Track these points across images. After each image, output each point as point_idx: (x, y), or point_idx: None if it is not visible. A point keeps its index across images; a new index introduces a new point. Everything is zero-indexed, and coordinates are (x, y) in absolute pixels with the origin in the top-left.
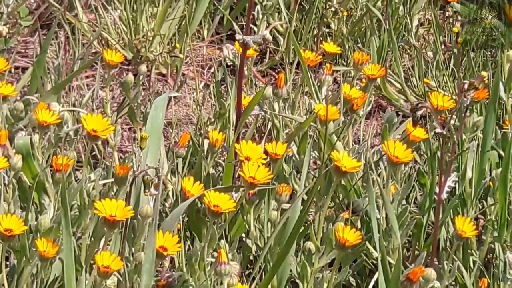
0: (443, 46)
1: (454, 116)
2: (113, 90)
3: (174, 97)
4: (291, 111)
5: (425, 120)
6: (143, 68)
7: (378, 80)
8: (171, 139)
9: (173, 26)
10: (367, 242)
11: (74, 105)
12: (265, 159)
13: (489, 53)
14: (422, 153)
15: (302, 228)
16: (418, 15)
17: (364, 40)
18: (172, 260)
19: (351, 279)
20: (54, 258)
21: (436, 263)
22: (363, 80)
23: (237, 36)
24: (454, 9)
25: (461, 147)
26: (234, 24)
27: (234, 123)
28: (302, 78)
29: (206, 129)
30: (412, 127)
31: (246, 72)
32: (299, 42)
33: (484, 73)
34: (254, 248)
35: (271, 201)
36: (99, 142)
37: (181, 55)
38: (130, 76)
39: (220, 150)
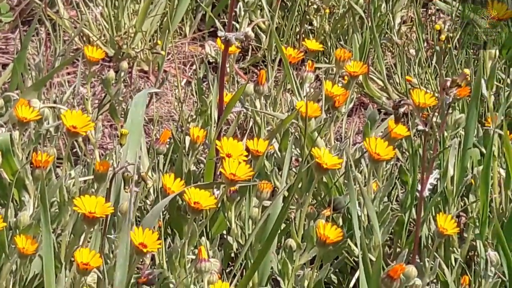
0: (425, 44)
1: (436, 114)
2: (94, 86)
3: (156, 94)
4: (273, 108)
5: (407, 118)
6: (124, 64)
7: (360, 77)
8: (152, 136)
9: (154, 23)
10: (348, 240)
11: (55, 102)
12: (246, 156)
13: (472, 51)
14: (404, 150)
15: (283, 225)
16: (401, 12)
17: (346, 38)
18: (153, 258)
19: (333, 276)
20: (33, 255)
21: (418, 260)
22: (345, 77)
23: (219, 33)
24: (437, 7)
25: (443, 144)
26: (216, 21)
27: (216, 120)
28: (284, 75)
29: (188, 126)
30: (394, 124)
31: (228, 69)
32: (281, 39)
33: (467, 71)
34: (235, 245)
35: (252, 198)
36: (80, 139)
37: (162, 52)
38: (112, 73)
39: (202, 147)
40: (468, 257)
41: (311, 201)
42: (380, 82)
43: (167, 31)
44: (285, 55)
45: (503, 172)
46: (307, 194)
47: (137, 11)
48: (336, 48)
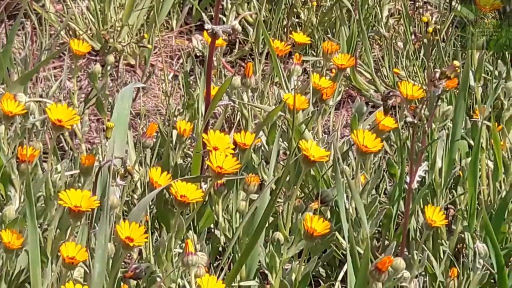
0: (413, 37)
1: (424, 106)
2: (80, 81)
3: (143, 88)
4: (260, 101)
5: (394, 110)
6: (110, 58)
7: (348, 70)
8: (139, 130)
9: (141, 17)
10: (336, 233)
11: (41, 96)
12: (233, 149)
13: (459, 43)
14: (392, 143)
15: (271, 218)
16: (388, 5)
17: (334, 30)
18: (140, 252)
19: (321, 269)
20: (19, 250)
21: (406, 253)
22: (333, 70)
23: (206, 26)
24: (424, 0)
25: (430, 136)
26: (203, 14)
27: (203, 114)
28: (271, 68)
29: (175, 120)
30: (382, 116)
31: (215, 63)
32: (269, 32)
33: (456, 62)
34: (222, 239)
35: (240, 192)
36: (67, 134)
37: (149, 46)
38: (98, 67)
39: (189, 141)
40: (456, 249)
41: (299, 194)
42: (368, 75)
43: (153, 24)
44: (272, 48)
45: (491, 164)
46: (295, 187)
47: (123, 5)
48: (323, 41)
